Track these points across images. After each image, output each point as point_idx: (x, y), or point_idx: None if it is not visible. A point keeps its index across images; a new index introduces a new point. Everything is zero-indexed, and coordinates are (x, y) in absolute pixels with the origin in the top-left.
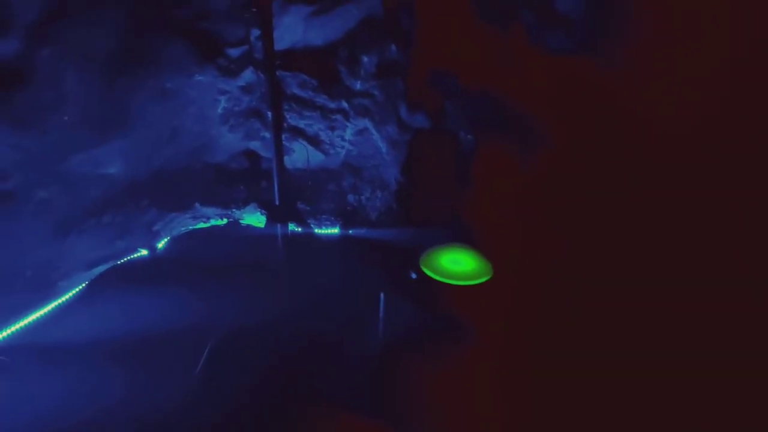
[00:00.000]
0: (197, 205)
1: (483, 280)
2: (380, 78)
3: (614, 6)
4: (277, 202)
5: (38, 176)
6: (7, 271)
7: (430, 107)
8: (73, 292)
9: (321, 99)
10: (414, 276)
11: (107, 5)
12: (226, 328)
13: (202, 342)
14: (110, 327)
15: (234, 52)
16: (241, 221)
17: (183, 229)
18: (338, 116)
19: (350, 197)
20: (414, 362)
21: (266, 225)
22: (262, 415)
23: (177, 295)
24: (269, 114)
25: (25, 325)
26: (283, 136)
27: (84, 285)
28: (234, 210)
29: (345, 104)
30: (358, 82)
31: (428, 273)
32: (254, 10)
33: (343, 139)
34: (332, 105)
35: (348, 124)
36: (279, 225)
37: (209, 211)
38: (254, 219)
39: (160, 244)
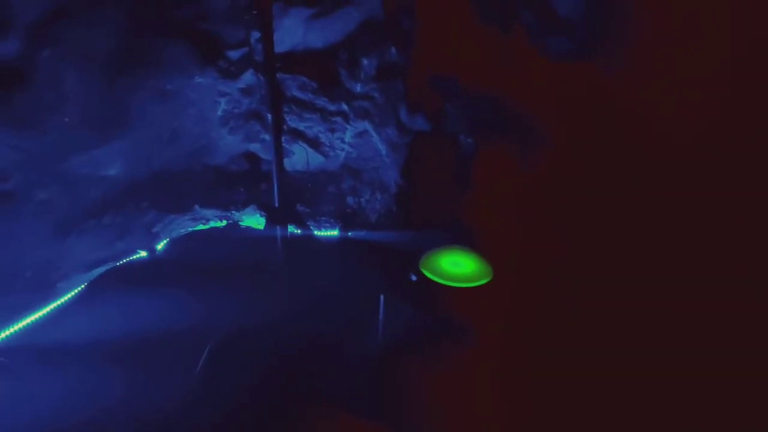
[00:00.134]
0: (197, 206)
1: (483, 282)
2: (380, 80)
3: (614, 7)
4: (276, 204)
5: (38, 177)
6: (7, 272)
7: (430, 109)
8: (73, 293)
9: (321, 101)
10: (414, 278)
11: (108, 6)
12: (225, 329)
13: (202, 343)
14: (110, 328)
15: (234, 54)
16: (240, 223)
17: (182, 230)
18: (338, 118)
19: (350, 199)
20: (414, 364)
21: (266, 227)
22: (261, 416)
23: (176, 296)
24: (269, 116)
25: (25, 326)
26: (283, 139)
27: (83, 286)
28: (233, 212)
29: (345, 106)
30: (358, 84)
31: (428, 275)
32: (254, 12)
33: (342, 142)
34: (332, 107)
35: (348, 126)
36: (278, 227)
37: (209, 212)
38: (254, 221)
39: (160, 246)
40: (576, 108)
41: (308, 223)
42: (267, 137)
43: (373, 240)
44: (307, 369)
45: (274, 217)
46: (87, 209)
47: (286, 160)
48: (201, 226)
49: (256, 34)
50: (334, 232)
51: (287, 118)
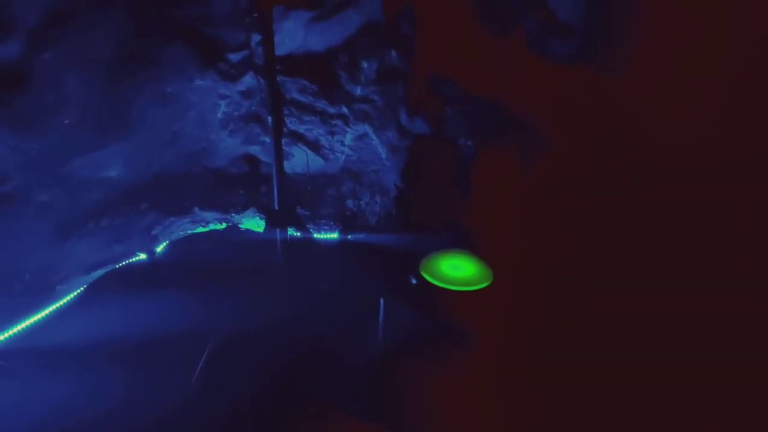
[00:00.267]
0: (196, 209)
1: (483, 285)
2: (380, 83)
3: (614, 10)
4: (276, 207)
5: (38, 178)
6: (6, 274)
7: (430, 112)
8: (72, 295)
9: (321, 104)
10: (414, 281)
11: (108, 9)
12: (225, 332)
13: (201, 345)
14: (109, 331)
15: (234, 56)
16: (240, 226)
17: (182, 233)
18: (338, 121)
19: (350, 202)
20: (413, 366)
21: (265, 229)
22: (261, 417)
23: (176, 299)
24: (269, 119)
25: (24, 329)
26: (283, 141)
27: (82, 289)
28: (233, 214)
29: (345, 109)
30: (358, 87)
31: (428, 278)
32: (255, 15)
33: (342, 144)
34: (332, 110)
35: (348, 129)
36: (278, 230)
37: (208, 215)
38: (253, 223)
39: (159, 248)
40: (576, 110)
41: (308, 225)
42: (267, 140)
43: (372, 243)
44: (306, 371)
45: (273, 220)
46: (87, 211)
47: (285, 163)
48: (200, 229)
49: (256, 37)
50: (334, 235)
51: (287, 121)
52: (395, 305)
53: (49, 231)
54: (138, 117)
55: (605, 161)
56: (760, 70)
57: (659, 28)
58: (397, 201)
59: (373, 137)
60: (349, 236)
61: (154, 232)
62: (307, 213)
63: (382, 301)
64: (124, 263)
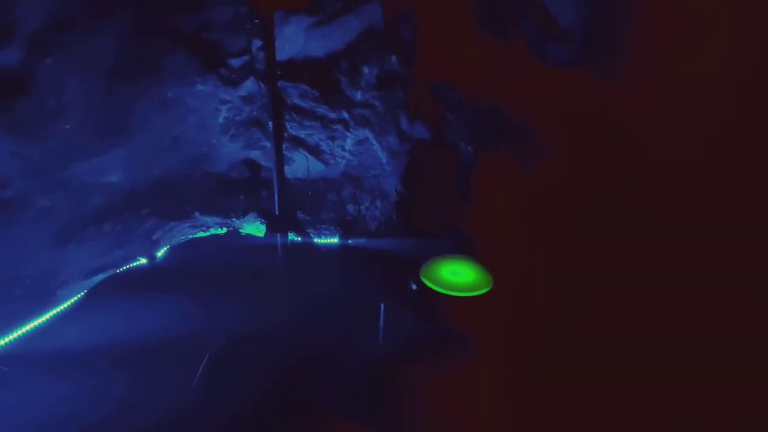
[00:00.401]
0: (197, 214)
1: (483, 291)
2: (381, 89)
3: (613, 14)
4: (276, 212)
5: (39, 184)
6: (7, 279)
7: (430, 118)
8: (72, 300)
9: (321, 109)
10: (414, 287)
11: (110, 14)
12: (225, 337)
13: (202, 350)
14: (109, 336)
15: (235, 62)
16: (240, 230)
17: (182, 238)
18: (339, 126)
19: (350, 207)
20: (413, 372)
21: (266, 234)
22: (262, 423)
23: (176, 304)
24: (270, 124)
25: (24, 333)
26: (284, 146)
27: (82, 294)
28: (234, 219)
29: (345, 114)
30: (359, 92)
31: (428, 284)
32: (256, 20)
33: (343, 149)
34: (333, 115)
35: (348, 134)
36: (279, 234)
37: (209, 220)
38: (254, 228)
39: (160, 253)
40: (576, 115)
41: (308, 230)
42: (268, 145)
43: (373, 248)
44: (307, 376)
45: (274, 225)
46: (87, 216)
47: (286, 168)
48: (201, 234)
49: (257, 42)
50: (334, 240)
51: (288, 126)
52: (396, 310)
53: (49, 236)
54: (139, 122)
55: (605, 162)
56: (760, 70)
57: (659, 28)
58: (397, 206)
59: (374, 142)
60: (349, 241)
61: (154, 237)
62: (308, 218)
63: (382, 306)
64: (124, 268)
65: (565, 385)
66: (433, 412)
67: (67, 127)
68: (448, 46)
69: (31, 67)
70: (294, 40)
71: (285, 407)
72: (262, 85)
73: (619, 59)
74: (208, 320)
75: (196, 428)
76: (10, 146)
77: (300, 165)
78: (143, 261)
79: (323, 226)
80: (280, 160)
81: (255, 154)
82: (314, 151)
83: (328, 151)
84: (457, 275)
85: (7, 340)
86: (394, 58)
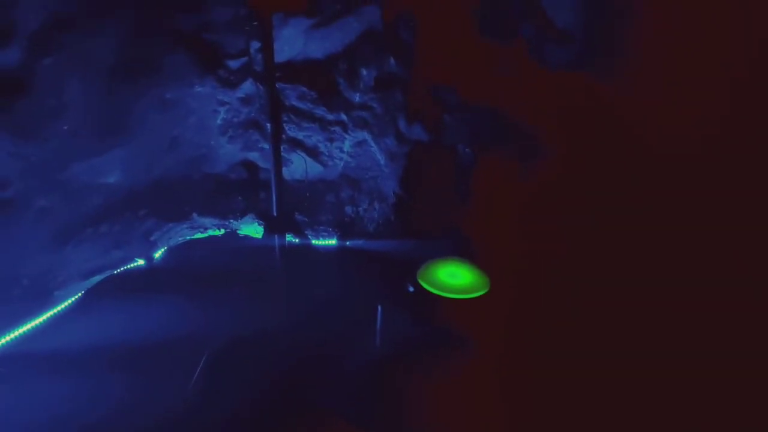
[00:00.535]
0: (195, 215)
1: (480, 293)
2: (379, 90)
3: (613, 13)
4: (274, 213)
5: (38, 184)
6: (5, 279)
7: (428, 120)
8: (70, 301)
9: (320, 111)
10: (411, 289)
11: (110, 15)
12: (223, 338)
13: (200, 351)
14: (107, 336)
15: (234, 63)
16: (238, 232)
17: (180, 239)
18: (337, 128)
19: (348, 209)
20: (411, 374)
21: (264, 236)
22: (260, 424)
23: (174, 305)
24: (268, 125)
25: (22, 334)
26: (282, 148)
27: (80, 294)
28: (232, 220)
29: (344, 116)
30: (357, 94)
31: (425, 286)
32: (255, 22)
33: (341, 151)
34: (331, 117)
35: (347, 136)
36: (277, 236)
37: (207, 221)
38: (252, 230)
39: (157, 254)
40: (575, 115)
41: (306, 232)
42: (266, 146)
43: (371, 249)
44: (305, 377)
45: (272, 226)
46: (86, 217)
47: (284, 169)
48: (199, 235)
49: (256, 44)
50: (332, 242)
51: (286, 128)
52: (393, 312)
53: (48, 236)
54: (138, 123)
55: (605, 163)
56: (760, 70)
57: (659, 28)
58: (395, 208)
59: (372, 144)
60: (347, 243)
61: (152, 238)
62: (306, 219)
63: (380, 307)
64: (122, 269)
65: (564, 385)
66: (431, 412)
67: (66, 127)
68: (448, 47)
69: (31, 67)
70: (293, 41)
71: (283, 408)
72: (261, 87)
73: (619, 60)
74: (206, 321)
75: (195, 429)
76: (10, 146)
77: (298, 166)
78: (141, 262)
79: (321, 227)
80: (279, 162)
81: (253, 156)
82: (312, 152)
83: (327, 153)
84: (453, 277)
85: (5, 340)
86: (392, 60)
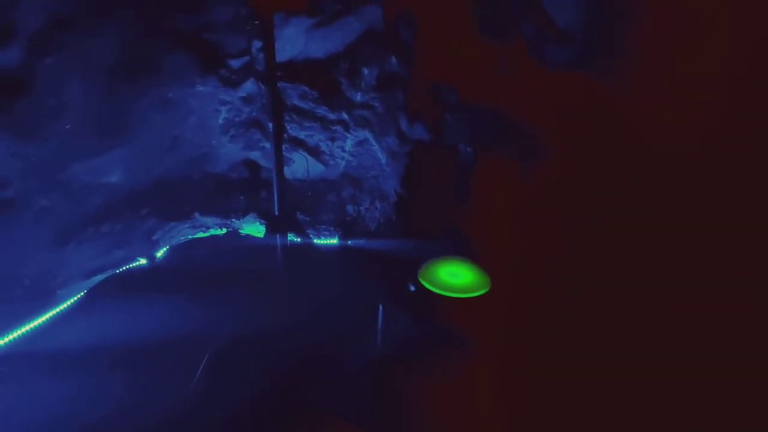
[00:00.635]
0: (197, 214)
1: (481, 293)
2: (380, 90)
3: (613, 13)
4: (276, 213)
5: (39, 184)
6: (7, 279)
7: (430, 119)
8: (72, 300)
9: (321, 110)
10: (412, 288)
11: (111, 15)
12: (225, 337)
13: (201, 351)
14: (109, 336)
15: (235, 63)
16: (240, 231)
17: (182, 238)
18: (338, 127)
19: (349, 208)
20: (412, 373)
21: (265, 235)
22: (261, 423)
23: (175, 304)
24: (270, 124)
25: (24, 334)
26: (284, 147)
27: (82, 294)
28: (233, 220)
29: (345, 115)
30: (359, 93)
31: (426, 286)
32: (256, 21)
33: (343, 150)
34: (332, 116)
35: (348, 135)
36: (278, 235)
37: (208, 220)
38: (253, 229)
39: (159, 254)
40: (575, 115)
41: (308, 231)
42: (267, 145)
43: (372, 249)
44: (306, 377)
45: (273, 226)
46: (87, 217)
47: (286, 169)
48: (201, 234)
49: (257, 44)
50: (334, 241)
51: (288, 127)
52: (394, 311)
53: (49, 236)
54: (139, 122)
55: (605, 163)
56: (760, 70)
57: (659, 28)
58: (396, 207)
59: (373, 143)
60: (349, 242)
61: (154, 238)
62: (307, 218)
63: (381, 307)
64: (124, 268)
65: (564, 385)
66: (431, 412)
67: (67, 127)
68: (448, 47)
69: (31, 67)
70: (294, 41)
71: (284, 408)
72: (262, 86)
73: (619, 59)
74: (207, 321)
75: (196, 428)
76: (10, 146)
77: (300, 166)
78: (143, 261)
79: (323, 226)
80: (280, 161)
81: (255, 155)
82: (314, 151)
83: (328, 152)
84: (454, 277)
85: (6, 340)
86: (393, 60)
